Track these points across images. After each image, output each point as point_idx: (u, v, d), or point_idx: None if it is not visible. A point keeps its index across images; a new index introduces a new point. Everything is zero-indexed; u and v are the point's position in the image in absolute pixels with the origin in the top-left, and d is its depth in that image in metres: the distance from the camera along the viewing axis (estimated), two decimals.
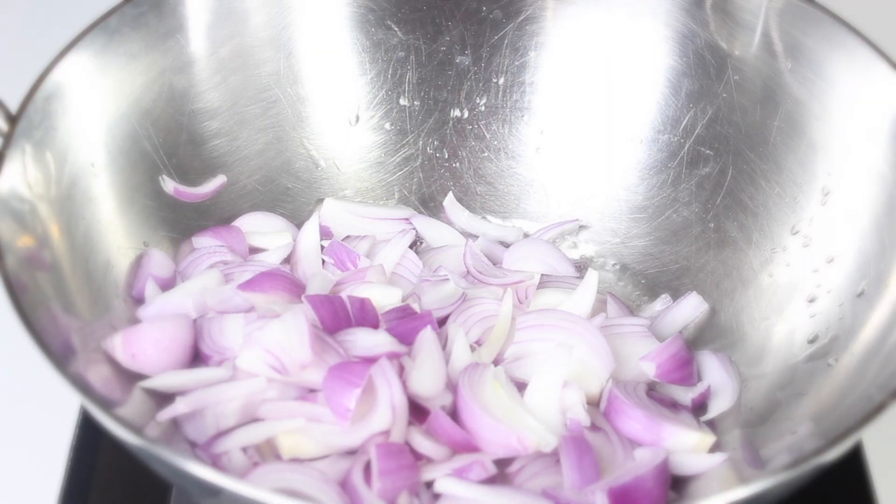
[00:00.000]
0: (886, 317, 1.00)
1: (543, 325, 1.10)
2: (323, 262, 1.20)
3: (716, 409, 1.11)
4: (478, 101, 1.30)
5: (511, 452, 0.99)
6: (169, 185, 1.18)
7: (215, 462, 0.97)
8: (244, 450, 0.98)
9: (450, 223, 1.30)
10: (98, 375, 0.97)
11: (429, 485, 0.97)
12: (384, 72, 1.28)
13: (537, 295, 1.18)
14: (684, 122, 1.23)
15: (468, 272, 1.20)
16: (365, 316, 1.07)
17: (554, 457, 0.99)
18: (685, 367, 1.11)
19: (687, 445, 1.03)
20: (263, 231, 1.23)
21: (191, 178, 1.20)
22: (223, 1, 1.19)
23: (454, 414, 1.02)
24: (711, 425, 1.09)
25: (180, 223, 1.19)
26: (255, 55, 1.23)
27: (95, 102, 1.10)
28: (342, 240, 1.23)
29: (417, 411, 1.00)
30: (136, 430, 0.83)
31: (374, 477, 0.94)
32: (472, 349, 1.10)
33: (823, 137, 1.12)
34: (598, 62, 1.26)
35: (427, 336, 1.05)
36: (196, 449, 0.99)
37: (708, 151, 1.22)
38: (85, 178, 1.07)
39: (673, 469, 1.01)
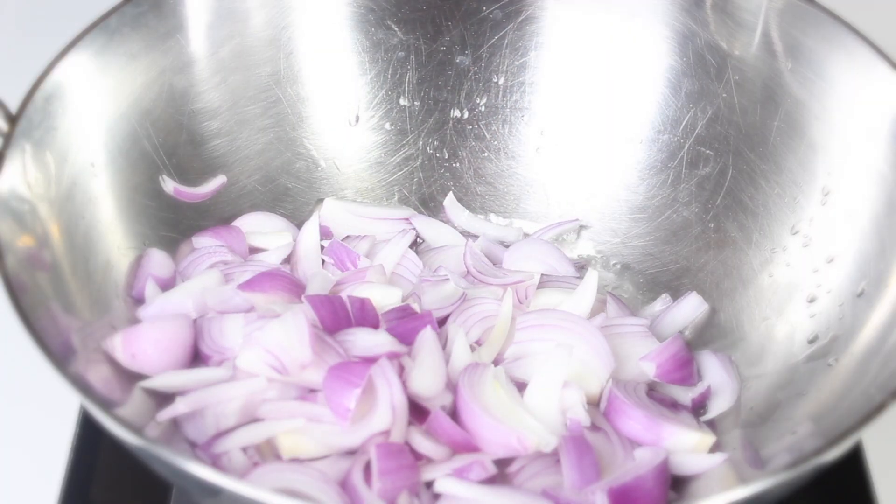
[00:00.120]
0: (886, 317, 1.00)
1: (543, 325, 1.10)
2: (323, 262, 1.20)
3: (716, 409, 1.11)
4: (478, 101, 1.30)
5: (511, 452, 0.99)
6: (169, 185, 1.18)
7: (215, 462, 0.97)
8: (244, 450, 0.98)
9: (450, 223, 1.30)
10: (98, 375, 0.97)
11: (429, 485, 0.97)
12: (384, 72, 1.28)
13: (537, 295, 1.18)
14: (684, 122, 1.23)
15: (468, 272, 1.20)
16: (365, 316, 1.07)
17: (554, 457, 0.99)
18: (685, 367, 1.11)
19: (687, 445, 1.03)
20: (263, 231, 1.23)
21: (191, 178, 1.20)
22: (223, 1, 1.19)
23: (454, 414, 1.02)
24: (711, 425, 1.09)
25: (180, 223, 1.19)
26: (255, 55, 1.23)
27: (95, 102, 1.10)
28: (342, 240, 1.23)
29: (417, 411, 1.00)
30: (136, 430, 0.83)
31: (374, 477, 0.94)
32: (472, 349, 1.10)
33: (823, 137, 1.12)
34: (598, 62, 1.26)
35: (427, 336, 1.05)
36: (196, 449, 0.99)
37: (708, 151, 1.22)
38: (85, 178, 1.07)
39: (673, 469, 1.01)
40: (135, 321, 1.07)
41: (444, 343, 1.09)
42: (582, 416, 1.03)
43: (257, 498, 0.79)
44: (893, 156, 1.06)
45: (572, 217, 1.29)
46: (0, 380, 1.20)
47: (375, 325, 1.07)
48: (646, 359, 1.10)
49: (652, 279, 1.25)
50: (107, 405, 0.85)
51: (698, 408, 1.11)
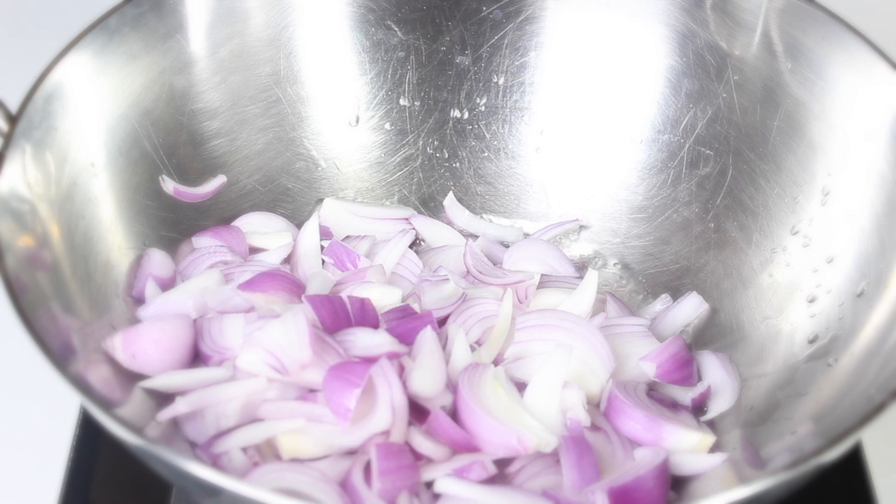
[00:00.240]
0: (886, 317, 1.00)
1: (543, 325, 1.10)
2: (323, 262, 1.20)
3: (716, 409, 1.11)
4: (478, 101, 1.30)
5: (511, 452, 0.99)
6: (169, 185, 1.18)
7: (215, 462, 0.97)
8: (244, 450, 0.98)
9: (450, 223, 1.30)
10: (98, 375, 0.97)
11: (429, 485, 0.97)
12: (384, 72, 1.28)
13: (537, 295, 1.18)
14: (684, 122, 1.23)
15: (468, 272, 1.21)
16: (365, 316, 1.07)
17: (554, 457, 0.99)
18: (685, 368, 1.11)
19: (687, 445, 1.03)
20: (263, 231, 1.23)
21: (191, 178, 1.20)
22: (223, 1, 1.19)
23: (454, 414, 1.02)
24: (711, 425, 1.09)
25: (180, 223, 1.19)
26: (255, 55, 1.23)
27: (95, 102, 1.10)
28: (342, 240, 1.23)
29: (417, 411, 1.00)
30: (136, 430, 0.83)
31: (374, 477, 0.94)
32: (472, 349, 1.10)
33: (823, 137, 1.12)
34: (598, 62, 1.26)
35: (427, 336, 1.05)
36: (196, 449, 0.99)
37: (708, 151, 1.22)
38: (85, 178, 1.07)
39: (673, 469, 1.01)
40: (135, 321, 1.07)
41: (444, 343, 1.09)
42: (582, 416, 1.03)
43: (257, 498, 0.79)
44: (893, 156, 1.06)
45: (572, 217, 1.29)
46: (0, 380, 1.20)
47: (375, 325, 1.07)
48: (646, 359, 1.10)
49: (652, 279, 1.25)
50: (107, 405, 0.85)
51: (698, 408, 1.11)
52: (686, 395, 1.11)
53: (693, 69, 1.21)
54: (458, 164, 1.31)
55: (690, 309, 1.19)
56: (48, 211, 1.00)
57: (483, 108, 1.30)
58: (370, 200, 1.30)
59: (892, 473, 1.13)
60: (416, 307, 1.11)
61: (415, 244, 1.26)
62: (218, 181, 1.22)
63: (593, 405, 1.07)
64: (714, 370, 1.13)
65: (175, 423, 1.00)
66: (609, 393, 1.06)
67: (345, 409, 0.96)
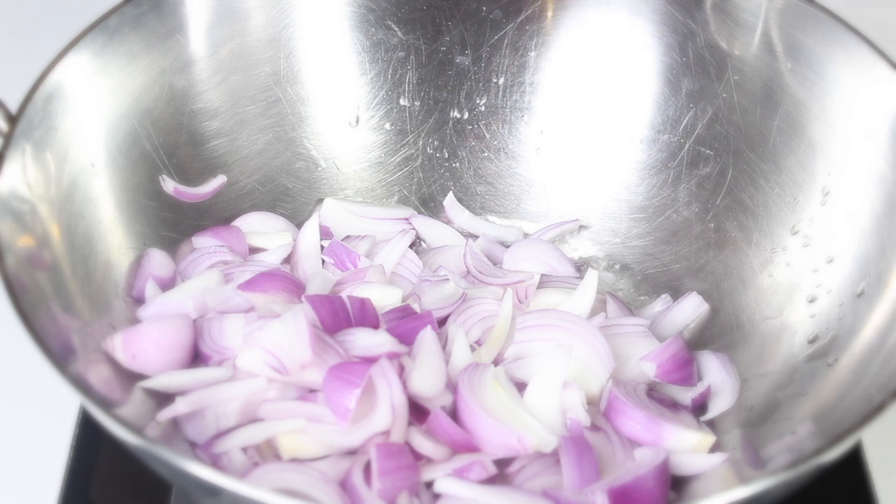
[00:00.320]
0: (886, 317, 1.00)
1: (543, 325, 1.10)
2: (323, 262, 1.20)
3: (716, 409, 1.11)
4: (478, 101, 1.30)
5: (511, 452, 0.99)
6: (169, 185, 1.18)
7: (215, 462, 0.97)
8: (244, 450, 0.98)
9: (450, 223, 1.30)
10: (98, 375, 0.97)
11: (429, 485, 0.97)
12: (384, 72, 1.28)
13: (537, 295, 1.18)
14: (684, 122, 1.23)
15: (468, 272, 1.21)
16: (365, 316, 1.07)
17: (554, 457, 0.99)
18: (685, 368, 1.11)
19: (687, 445, 1.03)
20: (263, 231, 1.23)
21: (191, 178, 1.20)
22: (223, 1, 1.19)
23: (454, 414, 1.02)
24: (711, 425, 1.09)
25: (180, 223, 1.19)
26: (255, 55, 1.23)
27: (95, 102, 1.10)
28: (342, 240, 1.23)
29: (417, 411, 1.00)
30: (136, 430, 0.83)
31: (374, 477, 0.94)
32: (472, 349, 1.09)
33: (823, 137, 1.12)
34: (598, 62, 1.26)
35: (427, 336, 1.05)
36: (196, 449, 0.99)
37: (708, 151, 1.22)
38: (85, 178, 1.07)
39: (673, 469, 1.01)
40: (135, 321, 1.07)
41: (444, 343, 1.09)
42: (582, 416, 1.03)
43: (257, 498, 0.79)
44: (893, 156, 1.06)
45: (572, 217, 1.29)
46: (0, 380, 1.20)
47: (375, 325, 1.07)
48: (646, 359, 1.10)
49: (652, 279, 1.25)
50: (107, 405, 0.85)
51: (698, 408, 1.11)
52: (686, 395, 1.11)
53: (693, 69, 1.21)
54: (458, 164, 1.31)
55: (690, 309, 1.19)
56: (48, 211, 1.00)
57: (483, 108, 1.30)
58: (370, 200, 1.30)
59: (892, 473, 1.13)
60: (416, 307, 1.11)
61: (415, 244, 1.26)
62: (218, 181, 1.22)
63: (593, 405, 1.07)
64: (714, 370, 1.13)
65: (175, 423, 1.00)
66: (609, 393, 1.06)
67: (345, 409, 0.96)
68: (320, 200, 1.27)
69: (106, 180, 1.10)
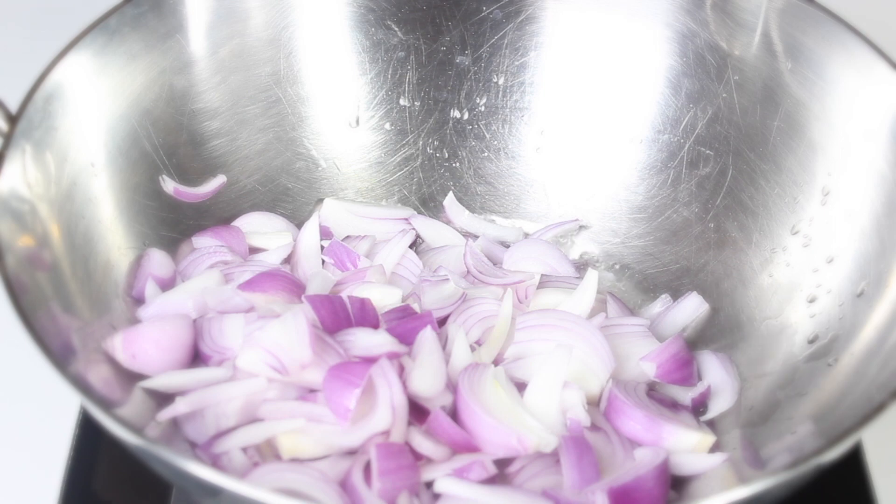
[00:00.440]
0: (886, 317, 1.00)
1: (543, 325, 1.10)
2: (323, 262, 1.20)
3: (716, 409, 1.11)
4: (478, 101, 1.30)
5: (511, 452, 0.99)
6: (169, 185, 1.18)
7: (215, 462, 0.97)
8: (244, 450, 0.98)
9: (450, 223, 1.30)
10: (98, 375, 0.97)
11: (429, 485, 0.97)
12: (384, 72, 1.28)
13: (537, 295, 1.18)
14: (684, 122, 1.23)
15: (468, 272, 1.21)
16: (365, 316, 1.07)
17: (554, 457, 0.99)
18: (685, 368, 1.11)
19: (687, 445, 1.03)
20: (263, 231, 1.23)
21: (191, 178, 1.20)
22: (223, 1, 1.19)
23: (454, 414, 1.02)
24: (711, 425, 1.09)
25: (180, 223, 1.19)
26: (255, 55, 1.23)
27: (95, 102, 1.10)
28: (342, 240, 1.23)
29: (417, 411, 1.00)
30: (136, 430, 0.83)
31: (374, 477, 0.94)
32: (472, 349, 1.09)
33: (823, 137, 1.12)
34: (598, 62, 1.26)
35: (427, 336, 1.05)
36: (196, 449, 0.99)
37: (708, 151, 1.22)
38: (85, 178, 1.07)
39: (673, 469, 1.01)
40: (135, 321, 1.07)
41: (444, 343, 1.09)
42: (582, 416, 1.03)
43: (257, 498, 0.79)
44: (893, 156, 1.06)
45: (572, 217, 1.29)
46: (0, 380, 1.20)
47: (375, 325, 1.07)
48: (646, 359, 1.10)
49: (652, 279, 1.25)
50: (107, 405, 0.85)
51: (698, 408, 1.11)
52: (686, 395, 1.11)
53: (693, 69, 1.21)
54: (458, 164, 1.31)
55: (690, 309, 1.19)
56: (48, 211, 1.00)
57: (483, 108, 1.30)
58: (370, 200, 1.30)
59: (892, 473, 1.13)
60: (416, 307, 1.11)
61: (415, 244, 1.26)
62: (218, 181, 1.22)
63: (593, 405, 1.07)
64: (714, 370, 1.13)
65: (175, 423, 1.00)
66: (609, 393, 1.06)
67: (345, 409, 0.96)
68: (320, 200, 1.27)
69: (106, 180, 1.10)
